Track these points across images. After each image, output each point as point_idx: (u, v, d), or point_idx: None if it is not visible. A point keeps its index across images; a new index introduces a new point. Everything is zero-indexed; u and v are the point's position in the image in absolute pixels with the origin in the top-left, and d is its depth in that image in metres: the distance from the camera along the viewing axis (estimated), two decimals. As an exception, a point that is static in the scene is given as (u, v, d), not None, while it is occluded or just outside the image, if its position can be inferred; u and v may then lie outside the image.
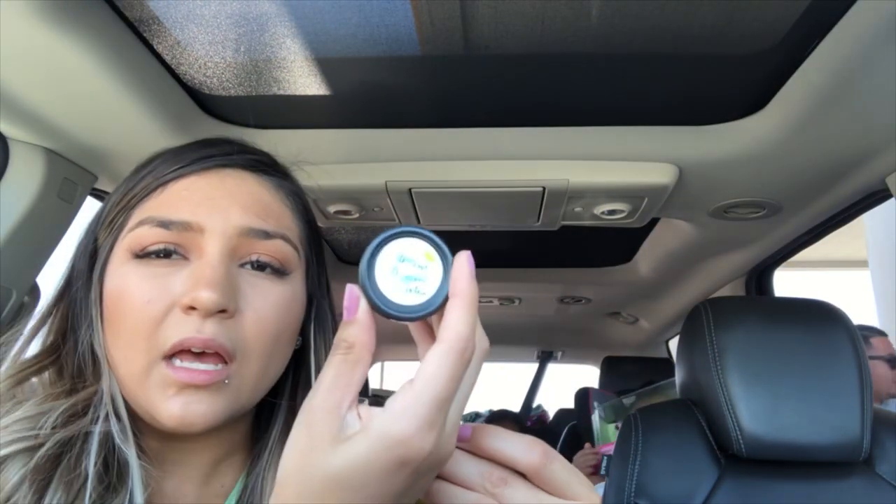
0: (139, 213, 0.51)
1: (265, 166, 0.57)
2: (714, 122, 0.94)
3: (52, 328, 0.52)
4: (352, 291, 0.38)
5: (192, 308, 0.45)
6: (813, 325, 0.99)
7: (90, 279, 0.51)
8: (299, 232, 0.56)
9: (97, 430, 0.46)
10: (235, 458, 0.55)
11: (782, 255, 1.43)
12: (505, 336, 2.80)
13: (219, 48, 0.80)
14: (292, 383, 0.57)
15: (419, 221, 1.22)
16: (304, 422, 0.35)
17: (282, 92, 0.90)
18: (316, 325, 0.58)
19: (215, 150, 0.55)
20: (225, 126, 0.98)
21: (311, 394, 0.36)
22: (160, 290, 0.46)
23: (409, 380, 0.35)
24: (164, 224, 0.49)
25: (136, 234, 0.49)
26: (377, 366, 4.84)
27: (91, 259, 0.52)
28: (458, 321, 0.35)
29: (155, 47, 0.80)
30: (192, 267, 0.48)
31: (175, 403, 0.45)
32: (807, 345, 0.96)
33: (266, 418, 0.57)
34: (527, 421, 3.13)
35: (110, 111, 0.84)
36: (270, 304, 0.50)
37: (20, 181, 0.91)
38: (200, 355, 0.45)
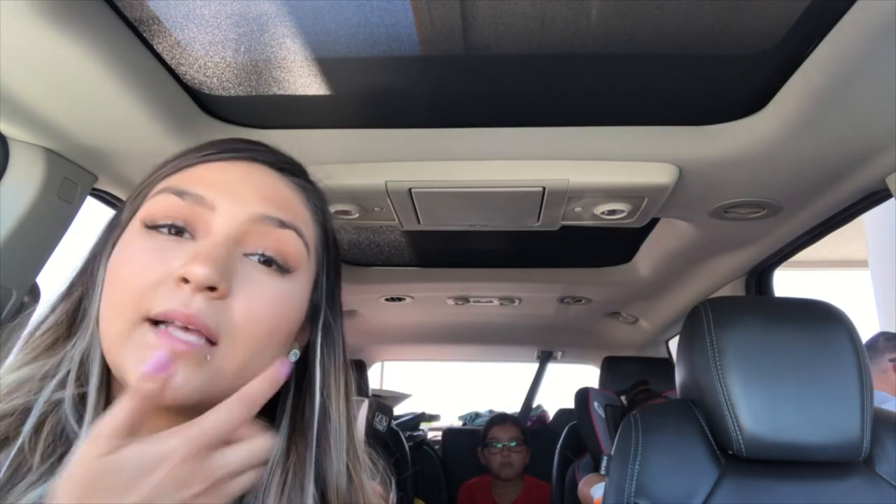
0: (159, 187, 0.51)
1: (292, 167, 0.57)
2: (714, 122, 0.94)
3: (68, 301, 0.52)
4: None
5: (185, 281, 0.45)
6: (813, 325, 0.99)
7: (104, 248, 0.51)
8: (315, 235, 0.56)
9: (41, 399, 0.45)
10: None
11: (782, 255, 1.43)
12: (505, 336, 2.79)
13: (219, 48, 0.80)
14: (294, 399, 0.55)
15: (419, 221, 1.22)
16: None
17: (282, 92, 0.90)
18: (323, 336, 0.56)
19: (245, 145, 0.55)
20: (225, 126, 0.98)
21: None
22: (160, 260, 0.46)
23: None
24: (179, 193, 0.49)
25: (151, 202, 0.49)
26: (377, 366, 4.84)
27: (111, 231, 0.53)
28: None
29: (155, 47, 0.80)
30: (197, 244, 0.47)
31: None
32: (807, 345, 0.96)
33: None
34: (527, 421, 3.13)
35: (110, 111, 0.84)
36: (265, 297, 0.49)
37: (20, 181, 0.91)
38: (185, 330, 0.45)
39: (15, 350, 0.50)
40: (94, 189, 1.07)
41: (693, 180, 1.05)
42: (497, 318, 2.42)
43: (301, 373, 0.56)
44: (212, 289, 0.45)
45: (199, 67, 0.85)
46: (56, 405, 0.46)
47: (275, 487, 0.51)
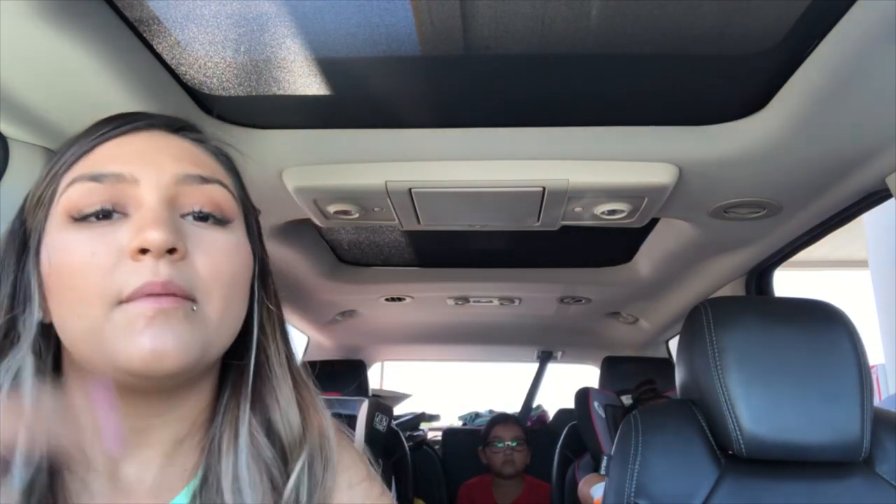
0: (69, 176, 0.49)
1: (187, 126, 0.57)
2: (714, 122, 0.94)
3: None
4: None
5: (143, 252, 0.44)
6: (813, 325, 0.99)
7: (23, 257, 0.49)
8: (233, 183, 0.56)
9: None
10: (198, 436, 0.54)
11: (782, 255, 1.43)
12: (505, 336, 2.80)
13: (219, 48, 0.80)
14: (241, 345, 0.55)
15: (419, 221, 1.22)
16: None
17: (282, 92, 0.90)
18: (260, 282, 0.56)
19: (135, 116, 0.55)
20: (225, 126, 0.98)
21: None
22: (104, 243, 0.45)
23: None
24: (96, 177, 0.47)
25: (69, 195, 0.47)
26: (377, 366, 4.84)
27: (21, 241, 0.50)
28: None
29: (155, 47, 0.80)
30: (135, 218, 0.46)
31: (145, 338, 0.43)
32: (807, 345, 0.96)
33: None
34: (527, 421, 3.13)
35: (110, 111, 0.83)
36: (219, 250, 0.49)
37: (20, 181, 0.91)
38: (160, 297, 0.44)
39: None
40: (94, 189, 1.07)
41: (693, 180, 1.05)
42: (497, 318, 2.42)
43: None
44: (171, 251, 0.45)
45: (199, 67, 0.85)
46: None
47: (227, 433, 0.52)
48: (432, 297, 2.11)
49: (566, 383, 3.25)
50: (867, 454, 0.92)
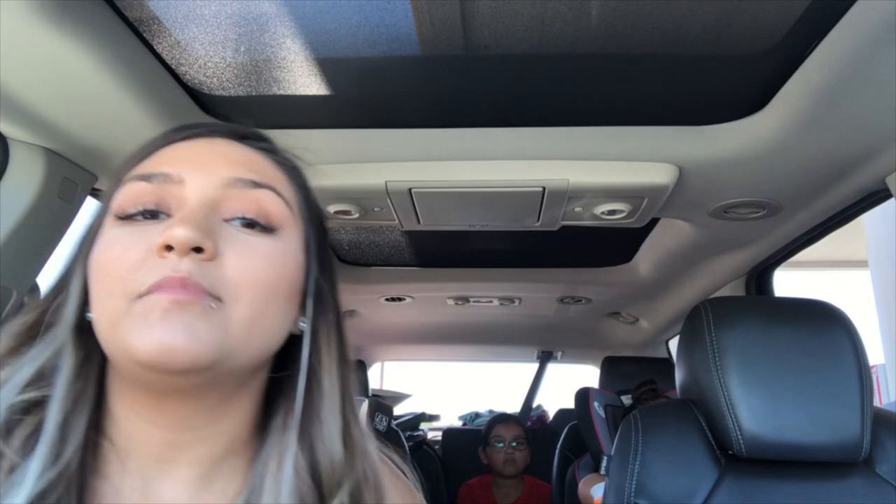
0: (123, 180, 0.50)
1: (255, 135, 0.56)
2: (714, 122, 0.94)
3: (37, 307, 0.50)
4: None
5: (168, 248, 0.43)
6: (813, 325, 0.99)
7: (80, 250, 0.50)
8: (294, 195, 0.54)
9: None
10: (239, 458, 0.52)
11: (782, 255, 1.43)
12: (505, 336, 2.80)
13: (219, 48, 0.80)
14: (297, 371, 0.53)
15: (419, 221, 1.22)
16: None
17: (282, 92, 0.90)
18: (315, 298, 0.53)
19: (204, 124, 0.55)
20: (225, 126, 0.98)
21: None
22: (139, 239, 0.45)
23: None
24: (144, 177, 0.48)
25: (120, 194, 0.48)
26: (377, 365, 4.84)
27: (84, 238, 0.51)
28: None
29: (155, 47, 0.80)
30: (174, 217, 0.46)
31: (157, 330, 0.42)
32: (807, 345, 0.96)
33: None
34: (527, 421, 3.13)
35: (110, 111, 0.84)
36: (257, 255, 0.47)
37: (20, 181, 0.91)
38: (177, 289, 0.43)
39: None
40: (94, 189, 1.07)
41: (693, 180, 1.05)
42: (497, 318, 2.42)
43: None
44: (198, 250, 0.44)
45: (199, 67, 0.85)
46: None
47: (274, 464, 0.49)
48: (432, 297, 2.12)
49: (566, 383, 3.25)
50: (867, 454, 0.92)
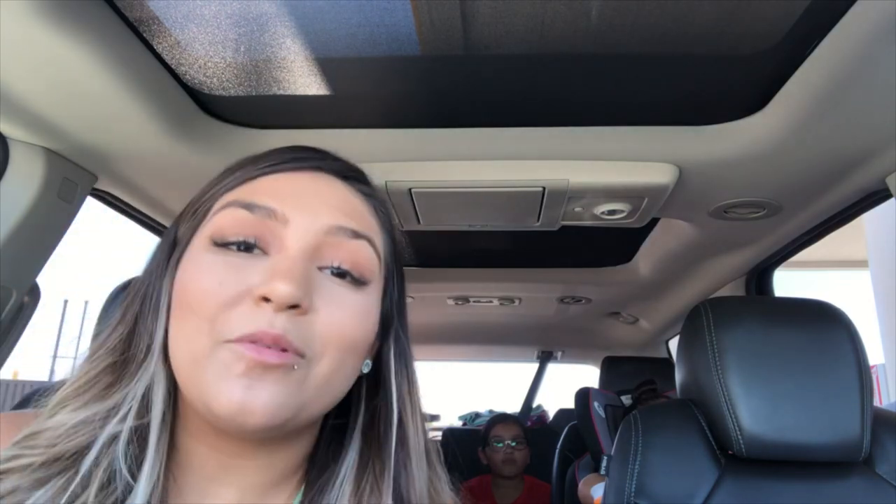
0: (224, 200, 0.49)
1: (357, 175, 0.56)
2: (714, 122, 0.94)
3: (121, 324, 0.49)
4: None
5: (266, 300, 0.43)
6: (813, 325, 0.99)
7: (165, 268, 0.49)
8: (384, 243, 0.54)
9: (103, 436, 0.44)
10: (291, 482, 0.52)
11: (782, 255, 1.43)
12: (505, 336, 2.80)
13: (219, 48, 0.80)
14: (367, 411, 0.53)
15: (419, 221, 1.22)
16: None
17: (282, 92, 0.90)
18: (395, 348, 0.54)
19: (308, 153, 0.54)
20: (225, 126, 0.98)
21: None
22: (235, 277, 0.44)
23: None
24: (249, 206, 0.47)
25: (218, 218, 0.47)
26: (377, 366, 4.82)
27: (170, 249, 0.50)
28: None
29: (155, 47, 0.80)
30: (272, 260, 0.46)
31: (237, 386, 0.42)
32: (807, 345, 0.96)
33: (331, 442, 0.53)
34: (527, 421, 3.13)
35: (110, 111, 0.84)
36: (346, 311, 0.47)
37: (20, 181, 0.91)
38: (264, 350, 0.43)
39: (72, 381, 0.47)
40: (94, 189, 1.07)
41: (693, 180, 1.05)
42: (497, 318, 2.42)
43: (371, 386, 0.54)
44: (294, 306, 0.43)
45: (199, 67, 0.85)
46: (113, 442, 0.44)
47: (339, 502, 0.48)
48: (432, 297, 2.12)
49: (566, 383, 3.25)
50: (867, 454, 0.92)
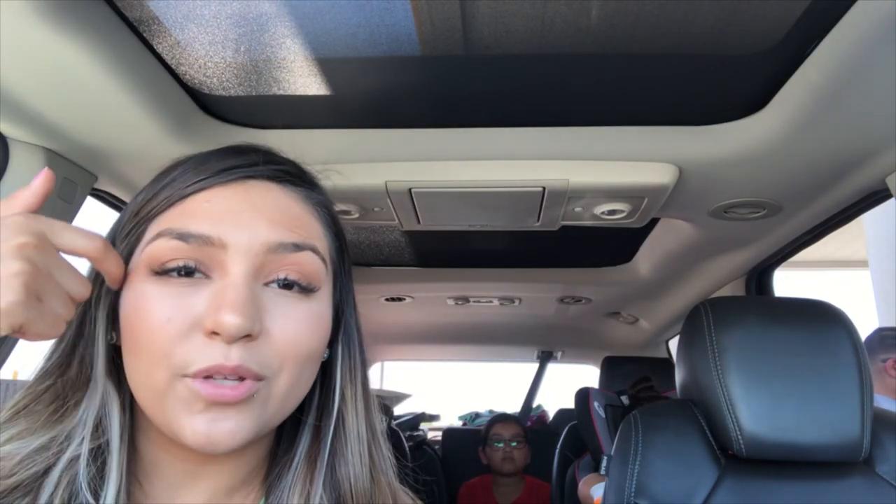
0: (156, 226, 0.47)
1: (292, 177, 0.54)
2: (714, 122, 0.94)
3: (59, 348, 0.49)
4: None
5: (216, 333, 0.43)
6: (813, 325, 0.99)
7: (101, 293, 0.49)
8: (328, 244, 0.53)
9: (64, 459, 0.44)
10: (254, 482, 0.53)
11: (782, 255, 1.43)
12: (505, 336, 2.80)
13: (219, 48, 0.80)
14: (319, 401, 0.54)
15: (419, 221, 1.22)
16: None
17: (282, 92, 0.90)
18: (343, 341, 0.55)
19: (239, 159, 0.51)
20: (225, 126, 0.98)
21: None
22: (180, 309, 0.44)
23: None
24: (183, 236, 0.45)
25: (153, 247, 0.46)
26: (377, 365, 4.84)
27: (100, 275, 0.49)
28: None
29: (155, 47, 0.80)
30: (215, 287, 0.45)
31: (200, 421, 0.43)
32: (807, 345, 0.96)
33: (288, 437, 0.54)
34: (527, 421, 3.13)
35: (110, 111, 0.84)
36: (299, 322, 0.47)
37: (20, 181, 0.91)
38: (221, 386, 0.43)
39: (10, 406, 0.47)
40: (94, 189, 1.07)
41: (693, 180, 1.05)
42: (497, 318, 2.42)
43: (323, 374, 0.54)
44: (246, 336, 0.43)
45: (199, 67, 0.85)
46: (72, 465, 0.44)
47: (297, 492, 0.50)
48: (432, 297, 2.12)
49: (566, 383, 3.25)
50: (867, 454, 0.92)
